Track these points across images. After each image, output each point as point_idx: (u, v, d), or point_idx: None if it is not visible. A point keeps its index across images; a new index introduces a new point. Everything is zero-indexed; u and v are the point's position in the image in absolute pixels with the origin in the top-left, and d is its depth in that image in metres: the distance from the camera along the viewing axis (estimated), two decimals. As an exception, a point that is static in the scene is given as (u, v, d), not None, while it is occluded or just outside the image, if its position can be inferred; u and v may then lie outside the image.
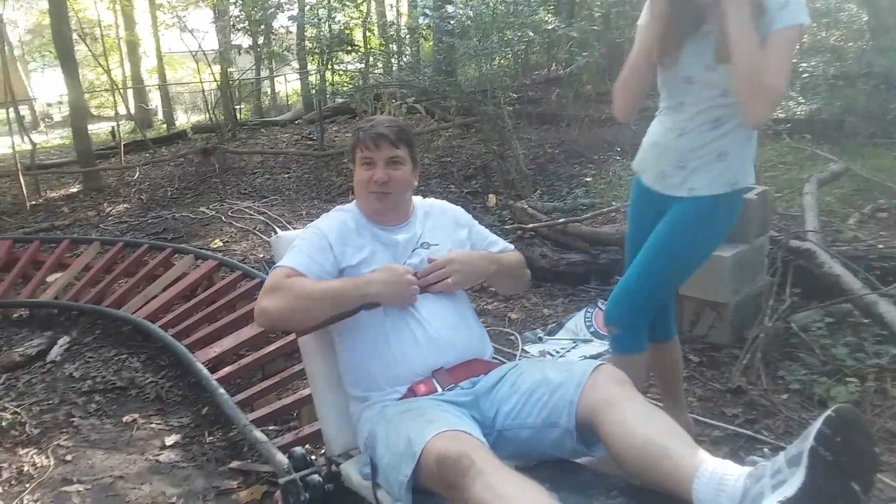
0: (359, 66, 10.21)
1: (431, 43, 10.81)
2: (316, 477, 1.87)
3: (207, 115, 11.85)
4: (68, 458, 2.65)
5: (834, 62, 7.71)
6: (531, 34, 7.37)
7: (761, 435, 2.59)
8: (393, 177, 1.84)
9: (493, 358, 1.93)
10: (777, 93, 1.79)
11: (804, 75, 7.65)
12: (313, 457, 2.35)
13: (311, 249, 1.82)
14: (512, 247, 2.10)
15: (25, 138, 9.42)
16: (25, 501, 2.33)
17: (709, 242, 2.10)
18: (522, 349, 3.48)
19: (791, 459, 1.22)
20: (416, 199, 2.04)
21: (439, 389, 1.73)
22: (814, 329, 3.16)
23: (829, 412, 1.21)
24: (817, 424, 1.20)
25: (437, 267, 1.87)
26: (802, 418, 2.68)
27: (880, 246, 3.66)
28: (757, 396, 2.84)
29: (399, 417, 1.62)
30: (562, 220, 4.79)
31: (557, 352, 3.49)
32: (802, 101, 7.47)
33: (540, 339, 3.62)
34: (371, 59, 10.34)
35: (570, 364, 1.69)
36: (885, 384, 2.76)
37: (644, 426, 1.44)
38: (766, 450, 2.40)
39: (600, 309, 3.82)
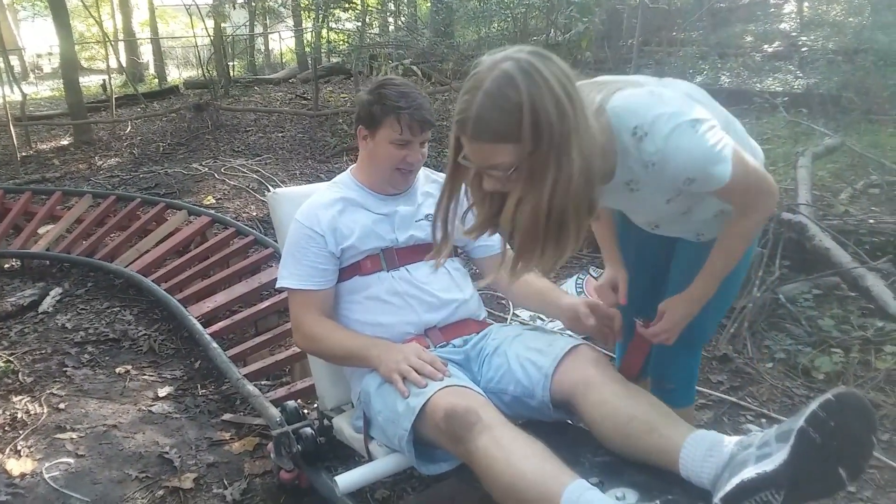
0: (356, 24, 10.05)
1: (430, 4, 10.65)
2: (308, 430, 1.90)
3: (200, 71, 11.65)
4: (61, 406, 2.67)
5: (833, 37, 7.67)
6: (531, -2, 7.28)
7: (745, 402, 2.65)
8: (423, 156, 1.84)
9: (486, 320, 1.95)
10: (765, 192, 1.42)
11: (803, 49, 7.63)
12: (305, 411, 2.38)
13: (307, 253, 1.79)
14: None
15: (15, 88, 9.24)
16: (19, 447, 2.36)
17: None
18: (514, 313, 3.51)
19: (780, 435, 1.22)
20: None
21: (431, 346, 1.75)
22: (801, 301, 3.21)
23: (828, 395, 1.18)
24: (813, 405, 1.18)
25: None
26: (786, 386, 2.74)
27: (871, 221, 3.70)
28: (742, 364, 2.90)
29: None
30: (556, 187, 4.79)
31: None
32: (800, 74, 7.45)
33: (531, 303, 3.65)
34: (368, 18, 10.19)
35: (552, 338, 1.68)
36: (868, 356, 2.82)
37: (627, 403, 1.45)
38: (763, 421, 2.45)
39: (592, 276, 3.84)
